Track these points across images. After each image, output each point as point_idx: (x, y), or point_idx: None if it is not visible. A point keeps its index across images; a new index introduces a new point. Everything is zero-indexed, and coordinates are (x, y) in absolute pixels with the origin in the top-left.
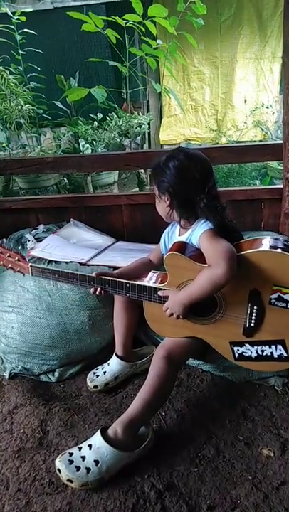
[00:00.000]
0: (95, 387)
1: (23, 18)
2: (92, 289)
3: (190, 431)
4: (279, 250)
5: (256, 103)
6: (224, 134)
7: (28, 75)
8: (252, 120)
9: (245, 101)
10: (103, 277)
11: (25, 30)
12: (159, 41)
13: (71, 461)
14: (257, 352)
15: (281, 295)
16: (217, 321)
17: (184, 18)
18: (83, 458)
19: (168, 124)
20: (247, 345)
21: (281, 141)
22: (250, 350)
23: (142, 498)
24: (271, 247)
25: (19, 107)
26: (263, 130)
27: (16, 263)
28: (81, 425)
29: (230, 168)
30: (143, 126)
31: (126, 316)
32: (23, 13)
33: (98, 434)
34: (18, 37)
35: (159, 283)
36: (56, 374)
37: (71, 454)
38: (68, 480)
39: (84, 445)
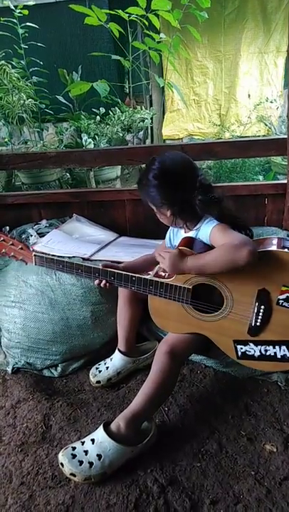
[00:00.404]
0: (98, 382)
1: (26, 12)
2: (96, 281)
3: (193, 426)
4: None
5: (260, 98)
6: (228, 128)
7: (31, 69)
8: (255, 115)
9: (249, 95)
10: (109, 269)
11: (28, 23)
12: (162, 35)
13: (74, 455)
14: (260, 351)
15: None
16: (222, 319)
17: (188, 12)
18: (86, 452)
19: (171, 119)
20: (251, 344)
21: (285, 136)
22: (253, 350)
23: (144, 492)
24: (283, 247)
25: (21, 101)
26: (266, 125)
27: (19, 251)
28: (84, 420)
29: (233, 163)
30: (146, 120)
31: (129, 310)
32: (25, 7)
33: (101, 428)
34: (21, 31)
35: (166, 278)
36: (59, 369)
37: (74, 448)
38: (71, 474)
39: (87, 439)
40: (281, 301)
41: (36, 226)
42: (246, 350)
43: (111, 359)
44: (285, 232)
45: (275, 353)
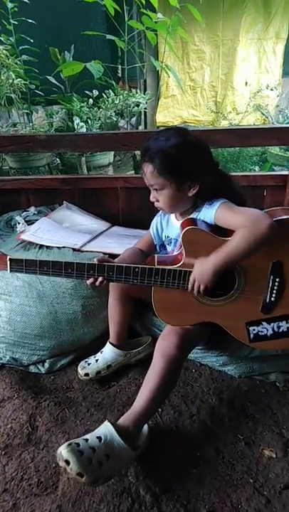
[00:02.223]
0: (86, 375)
1: None
2: (89, 280)
3: (188, 429)
4: None
5: (258, 86)
6: (226, 116)
7: (20, 47)
8: (252, 104)
9: (247, 83)
10: (106, 264)
11: None
12: (159, 15)
13: (81, 452)
14: (273, 329)
15: None
16: (234, 300)
17: None
18: (93, 450)
19: (165, 105)
20: (264, 323)
21: (288, 125)
22: (266, 329)
23: (137, 501)
24: None
25: (10, 80)
26: (263, 114)
27: None
28: (72, 421)
29: (230, 152)
30: (141, 105)
31: (121, 308)
32: None
33: (109, 426)
34: (10, 5)
35: (171, 265)
36: (46, 365)
37: (78, 445)
38: (78, 473)
39: (91, 437)
40: None
41: (24, 213)
42: (259, 330)
43: (101, 352)
44: None
45: (288, 328)
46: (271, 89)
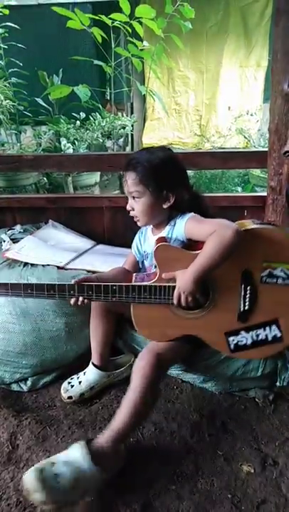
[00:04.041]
0: (70, 398)
1: (6, 12)
2: (72, 301)
3: (168, 445)
4: (265, 226)
5: (240, 110)
6: (208, 139)
7: (10, 70)
8: (235, 127)
9: (229, 108)
10: (85, 283)
11: (8, 23)
12: (145, 43)
13: (46, 480)
14: (252, 337)
15: (271, 271)
16: (209, 313)
17: (172, 21)
18: (60, 475)
19: (151, 128)
20: (242, 332)
21: (266, 149)
22: (245, 338)
23: None
24: (257, 224)
25: None
26: (245, 138)
27: None
28: (53, 439)
29: (212, 173)
30: (127, 127)
31: (103, 324)
32: (6, 6)
33: (82, 446)
34: (0, 30)
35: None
36: (29, 383)
37: (42, 471)
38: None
39: (58, 461)
40: (264, 278)
41: (10, 231)
42: (238, 340)
43: (84, 373)
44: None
45: (266, 335)
46: (251, 115)
